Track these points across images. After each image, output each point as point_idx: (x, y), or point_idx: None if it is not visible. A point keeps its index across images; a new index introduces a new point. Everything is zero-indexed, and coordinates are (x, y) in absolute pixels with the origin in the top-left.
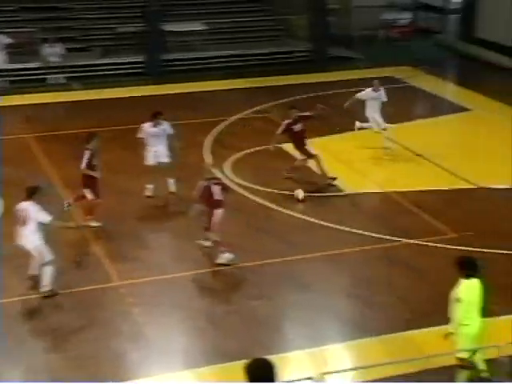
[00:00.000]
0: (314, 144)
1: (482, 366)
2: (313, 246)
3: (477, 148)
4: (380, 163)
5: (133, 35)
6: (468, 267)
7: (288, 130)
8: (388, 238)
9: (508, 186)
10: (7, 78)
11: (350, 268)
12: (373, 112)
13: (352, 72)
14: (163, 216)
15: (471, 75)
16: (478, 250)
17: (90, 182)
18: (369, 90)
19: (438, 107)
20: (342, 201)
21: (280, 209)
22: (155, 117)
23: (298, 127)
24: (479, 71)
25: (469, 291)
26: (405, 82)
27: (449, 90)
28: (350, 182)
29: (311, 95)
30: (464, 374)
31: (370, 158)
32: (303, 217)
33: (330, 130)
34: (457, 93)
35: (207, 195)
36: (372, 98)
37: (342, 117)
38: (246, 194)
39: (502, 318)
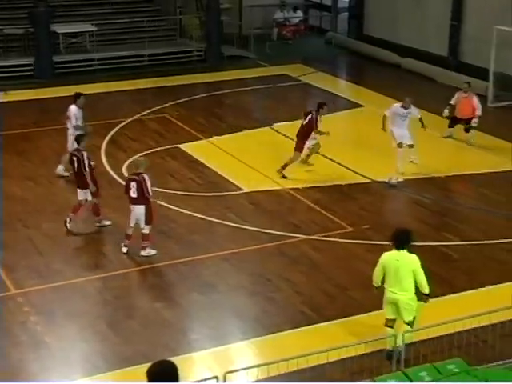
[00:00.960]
0: (211, 143)
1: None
2: (212, 245)
3: (370, 143)
4: (277, 161)
5: (21, 37)
6: (394, 239)
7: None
8: (286, 234)
9: (401, 179)
10: None
11: (250, 266)
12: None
13: (247, 71)
14: (60, 220)
15: (362, 72)
16: (375, 242)
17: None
18: (397, 105)
19: (332, 104)
20: (240, 199)
21: (178, 209)
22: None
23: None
24: (369, 68)
25: (386, 258)
26: (298, 80)
27: (341, 87)
28: (247, 180)
29: (207, 95)
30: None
31: (267, 156)
32: (201, 216)
33: (226, 129)
34: (349, 89)
35: (126, 191)
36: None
37: (237, 116)
38: None
39: None
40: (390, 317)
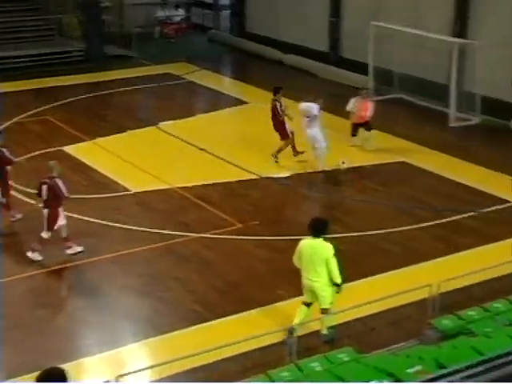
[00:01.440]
0: (96, 144)
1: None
2: (101, 247)
3: (256, 139)
4: (164, 160)
5: None
6: (310, 227)
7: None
8: (176, 233)
9: (288, 174)
10: None
11: (140, 267)
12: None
13: (129, 70)
14: None
15: (246, 69)
16: (264, 238)
17: None
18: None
19: (217, 101)
20: (128, 200)
21: (64, 212)
22: None
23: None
24: (253, 65)
25: (303, 245)
26: (183, 78)
27: (226, 84)
28: (136, 180)
29: (89, 95)
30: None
31: (153, 155)
32: (89, 219)
33: (111, 130)
34: (233, 86)
35: (39, 194)
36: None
37: (121, 116)
38: (29, 200)
39: (290, 301)
40: (309, 301)
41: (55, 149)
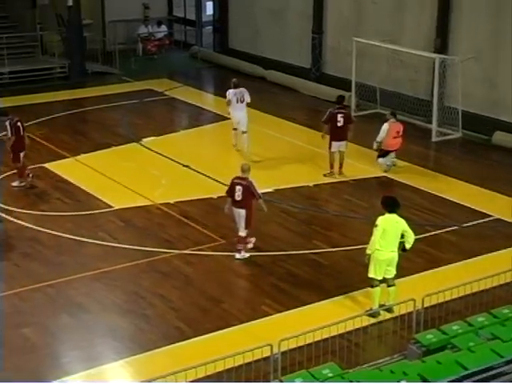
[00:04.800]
0: (78, 161)
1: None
2: (82, 265)
3: (236, 154)
4: (146, 177)
5: None
6: (387, 205)
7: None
8: (158, 250)
9: (270, 190)
10: None
11: (122, 284)
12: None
13: (111, 87)
14: None
15: (228, 85)
16: (248, 254)
17: None
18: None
19: (200, 117)
20: (110, 217)
21: (46, 230)
22: None
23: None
24: None
25: (386, 222)
26: (165, 95)
27: (207, 101)
28: (117, 197)
29: (70, 112)
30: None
31: (135, 172)
32: (70, 236)
33: (92, 147)
34: (215, 103)
35: (230, 193)
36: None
37: (102, 133)
38: (9, 217)
39: (274, 316)
40: (379, 277)
41: (37, 166)
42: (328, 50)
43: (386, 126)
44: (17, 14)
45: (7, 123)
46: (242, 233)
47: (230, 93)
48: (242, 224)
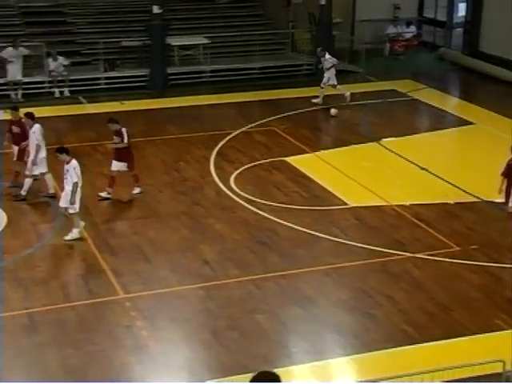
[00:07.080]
0: (317, 157)
1: None
2: (314, 259)
3: (480, 161)
4: (384, 176)
5: (136, 49)
6: None
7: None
8: (389, 251)
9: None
10: (21, 91)
11: (350, 281)
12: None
13: (355, 85)
14: (164, 229)
15: (474, 89)
16: (481, 264)
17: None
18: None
19: (442, 121)
20: (345, 214)
21: (283, 222)
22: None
23: None
24: (482, 85)
25: None
26: (408, 96)
27: (452, 104)
28: (353, 194)
29: (313, 108)
30: None
31: (373, 171)
32: (305, 230)
33: (332, 143)
34: (460, 106)
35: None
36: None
37: (343, 130)
38: (250, 207)
39: (508, 332)
40: None
41: (278, 159)
42: None
43: None
44: (272, 12)
45: (124, 130)
46: None
47: None
48: None
